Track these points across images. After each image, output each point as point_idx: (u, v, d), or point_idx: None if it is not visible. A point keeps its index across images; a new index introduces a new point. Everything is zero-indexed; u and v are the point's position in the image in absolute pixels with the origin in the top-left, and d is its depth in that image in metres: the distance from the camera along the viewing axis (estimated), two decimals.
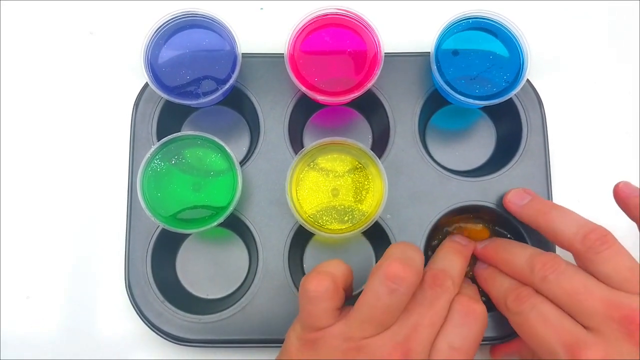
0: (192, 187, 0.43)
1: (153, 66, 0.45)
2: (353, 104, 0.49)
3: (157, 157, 0.43)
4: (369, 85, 0.43)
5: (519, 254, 0.41)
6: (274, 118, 0.47)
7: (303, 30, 0.45)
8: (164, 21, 0.45)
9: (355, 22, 0.45)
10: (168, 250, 0.47)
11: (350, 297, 0.39)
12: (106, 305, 0.47)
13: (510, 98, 0.46)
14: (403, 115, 0.47)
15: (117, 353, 0.47)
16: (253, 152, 0.47)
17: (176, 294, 0.46)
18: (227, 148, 0.43)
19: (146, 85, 0.47)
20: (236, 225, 0.47)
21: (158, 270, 0.45)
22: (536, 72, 0.48)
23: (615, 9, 0.52)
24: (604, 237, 0.38)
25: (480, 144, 0.49)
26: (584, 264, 0.38)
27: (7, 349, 0.47)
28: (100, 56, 0.51)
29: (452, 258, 0.42)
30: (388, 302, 0.35)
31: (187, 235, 0.47)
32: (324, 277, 0.37)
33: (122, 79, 0.50)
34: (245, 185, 0.45)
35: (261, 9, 0.52)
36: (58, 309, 0.47)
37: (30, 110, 0.50)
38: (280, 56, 0.44)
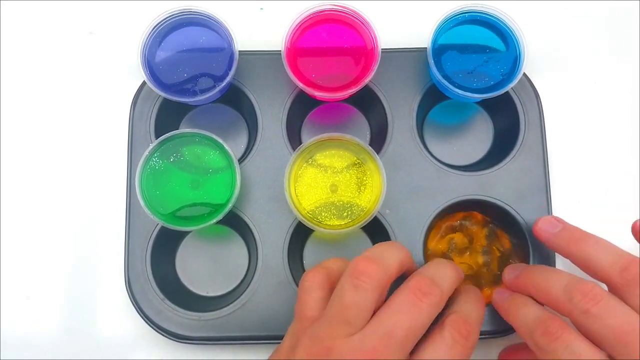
0: (191, 185, 0.43)
1: (150, 64, 0.45)
2: (351, 100, 0.49)
3: (155, 155, 0.43)
4: (366, 81, 0.43)
5: (554, 279, 0.38)
6: (272, 115, 0.47)
7: (300, 26, 0.45)
8: (161, 19, 0.45)
9: (352, 18, 0.45)
10: (167, 248, 0.47)
11: None
12: (106, 303, 0.47)
13: (508, 92, 0.46)
14: (401, 110, 0.47)
15: (117, 351, 0.47)
16: (251, 149, 0.47)
17: (176, 292, 0.46)
18: (225, 145, 0.43)
19: (144, 83, 0.47)
20: (235, 223, 0.47)
21: (158, 268, 0.45)
22: (537, 72, 0.48)
23: (615, 9, 0.52)
24: None
25: (478, 138, 0.49)
26: (622, 297, 0.36)
27: (7, 349, 0.47)
28: (99, 56, 0.51)
29: (445, 269, 0.38)
30: (353, 299, 0.34)
31: (187, 232, 0.47)
32: (321, 270, 0.37)
33: (121, 79, 0.50)
34: (244, 183, 0.45)
35: (261, 9, 0.52)
36: (58, 308, 0.47)
37: (30, 110, 0.50)
38: (277, 53, 0.44)
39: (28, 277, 0.48)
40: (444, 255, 0.47)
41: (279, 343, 0.39)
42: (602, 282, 0.38)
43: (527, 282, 0.40)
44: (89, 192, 0.49)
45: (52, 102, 0.50)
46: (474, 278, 0.46)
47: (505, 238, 0.47)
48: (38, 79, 0.51)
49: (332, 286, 0.37)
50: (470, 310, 0.38)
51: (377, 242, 0.47)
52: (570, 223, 0.42)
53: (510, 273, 0.43)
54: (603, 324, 0.35)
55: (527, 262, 0.45)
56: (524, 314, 0.38)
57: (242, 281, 0.47)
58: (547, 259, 0.45)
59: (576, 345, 0.35)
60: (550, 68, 0.50)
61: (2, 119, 0.50)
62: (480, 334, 0.43)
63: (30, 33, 0.52)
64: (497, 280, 0.46)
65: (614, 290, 0.37)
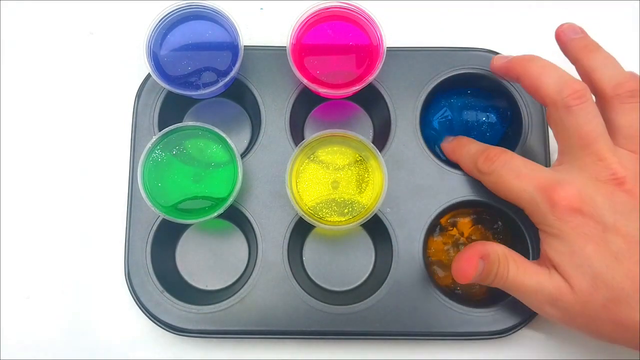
0: (193, 178, 0.44)
1: (155, 56, 0.45)
2: (354, 97, 0.49)
3: (158, 148, 0.44)
4: (370, 78, 0.43)
5: (549, 70, 0.40)
6: (276, 111, 0.47)
7: (305, 23, 0.45)
8: (168, 12, 0.45)
9: (358, 15, 0.45)
10: (168, 241, 0.47)
11: None
12: (105, 296, 0.47)
13: (512, 94, 0.47)
14: (404, 109, 0.47)
15: (116, 345, 0.47)
16: (254, 144, 0.47)
17: (175, 285, 0.46)
18: (228, 140, 0.43)
19: (148, 76, 0.47)
20: (236, 217, 0.47)
21: (158, 260, 0.45)
22: None
23: (615, 9, 0.52)
24: (636, 91, 0.39)
25: (483, 139, 0.49)
26: (603, 108, 0.40)
27: (7, 349, 0.47)
28: (99, 56, 0.51)
29: None
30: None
31: (187, 226, 0.48)
32: None
33: (121, 79, 0.50)
34: (246, 177, 0.46)
35: (261, 9, 0.52)
36: (58, 302, 0.47)
37: (31, 108, 0.50)
38: (282, 49, 0.44)
39: (28, 271, 0.48)
40: (445, 255, 0.47)
41: (278, 338, 0.39)
42: (595, 93, 0.40)
43: (521, 66, 0.42)
44: (91, 183, 0.49)
45: (53, 98, 0.51)
46: None
47: (506, 238, 0.47)
48: (38, 79, 0.51)
49: None
50: None
51: (377, 240, 0.47)
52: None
53: (501, 58, 0.44)
54: (575, 122, 0.38)
55: None
56: (467, 150, 0.44)
57: (241, 276, 0.47)
58: None
59: (513, 161, 0.40)
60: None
61: (4, 117, 0.50)
62: (481, 335, 0.43)
63: (31, 33, 0.52)
64: None
65: (601, 104, 0.40)
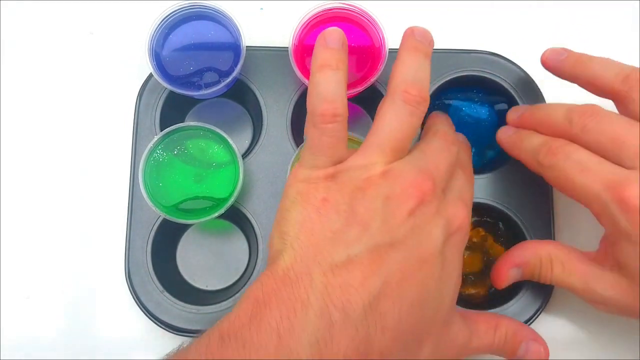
0: (194, 178, 0.44)
1: (158, 55, 0.45)
2: (356, 99, 0.49)
3: (159, 147, 0.44)
4: (372, 80, 0.44)
5: (555, 108, 0.39)
6: (277, 111, 0.47)
7: (308, 24, 0.45)
8: (170, 11, 0.45)
9: (360, 16, 0.45)
10: (168, 241, 0.47)
11: None
12: (105, 294, 0.47)
13: (513, 95, 0.47)
14: None
15: (116, 343, 0.47)
16: (255, 144, 0.47)
17: (175, 284, 0.46)
18: (229, 140, 0.43)
19: (150, 76, 0.47)
20: (237, 218, 0.47)
21: (158, 260, 0.45)
22: (538, 72, 0.48)
23: (615, 9, 0.52)
24: None
25: (483, 141, 0.49)
26: (625, 107, 0.38)
27: (7, 349, 0.47)
28: (100, 56, 0.51)
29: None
30: (408, 125, 0.36)
31: (188, 226, 0.47)
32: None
33: (122, 79, 0.50)
34: (247, 178, 0.46)
35: (261, 9, 0.52)
36: (58, 301, 0.47)
37: (32, 108, 0.50)
38: (284, 50, 0.44)
39: (28, 271, 0.48)
40: None
41: None
42: (608, 96, 0.39)
43: (530, 116, 0.41)
44: (92, 183, 0.49)
45: (53, 99, 0.50)
46: (476, 276, 0.46)
47: (508, 241, 0.47)
48: (39, 79, 0.51)
49: None
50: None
51: None
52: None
53: (514, 112, 0.43)
54: (600, 131, 0.36)
55: None
56: (528, 142, 0.40)
57: (241, 276, 0.47)
58: None
59: (577, 153, 0.37)
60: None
61: (4, 117, 0.50)
62: None
63: (30, 33, 0.52)
64: None
65: (619, 102, 0.38)
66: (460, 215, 0.36)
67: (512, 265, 0.40)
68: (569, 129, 0.38)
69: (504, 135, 0.43)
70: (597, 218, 0.37)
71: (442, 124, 0.42)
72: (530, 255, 0.39)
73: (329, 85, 0.37)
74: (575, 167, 0.36)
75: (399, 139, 0.36)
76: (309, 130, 0.37)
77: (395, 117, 0.36)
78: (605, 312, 0.39)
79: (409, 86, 0.36)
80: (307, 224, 0.33)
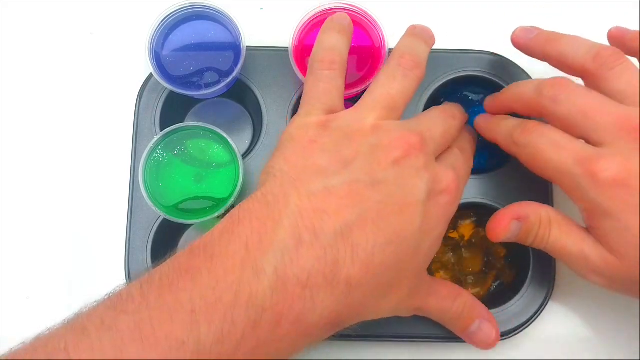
0: (194, 178, 0.44)
1: (158, 55, 0.45)
2: (356, 99, 0.48)
3: (159, 147, 0.44)
4: (372, 80, 0.43)
5: (526, 84, 0.40)
6: (277, 111, 0.47)
7: (308, 24, 0.45)
8: (170, 11, 0.45)
9: (361, 17, 0.45)
10: (169, 241, 0.47)
11: None
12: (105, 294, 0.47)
13: None
14: (406, 111, 0.46)
15: None
16: (255, 144, 0.47)
17: None
18: (229, 140, 0.43)
19: (150, 75, 0.47)
20: None
21: (158, 260, 0.44)
22: (538, 73, 0.48)
23: (615, 9, 0.52)
24: (617, 53, 0.38)
25: (481, 142, 0.49)
26: (596, 85, 0.38)
27: (7, 349, 0.46)
28: (100, 56, 0.51)
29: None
30: (401, 85, 0.37)
31: (188, 226, 0.47)
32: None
33: (122, 79, 0.50)
34: (247, 178, 0.45)
35: (261, 9, 0.52)
36: (58, 302, 0.47)
37: (31, 108, 0.50)
38: (284, 50, 0.44)
39: (28, 271, 0.48)
40: (446, 258, 0.47)
41: None
42: (579, 74, 0.39)
43: (503, 95, 0.42)
44: (92, 182, 0.49)
45: (52, 100, 0.50)
46: (477, 276, 0.46)
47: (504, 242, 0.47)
48: (38, 78, 0.51)
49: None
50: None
51: None
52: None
53: (490, 99, 0.44)
54: (571, 104, 0.37)
55: (527, 265, 0.45)
56: (504, 124, 0.41)
57: None
58: (547, 261, 0.45)
59: (552, 133, 0.38)
60: (552, 67, 0.50)
61: (4, 117, 0.50)
62: None
63: (31, 33, 0.52)
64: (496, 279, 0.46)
65: (589, 80, 0.39)
66: (448, 179, 0.37)
67: (514, 215, 0.40)
68: (540, 101, 0.38)
69: (481, 120, 0.44)
70: (568, 194, 0.38)
71: (449, 104, 0.43)
72: (531, 212, 0.39)
73: (332, 39, 0.39)
74: (549, 143, 0.37)
75: (392, 97, 0.37)
76: (307, 79, 0.39)
77: (388, 77, 0.38)
78: (599, 285, 0.38)
79: (404, 54, 0.39)
80: (292, 158, 0.35)
